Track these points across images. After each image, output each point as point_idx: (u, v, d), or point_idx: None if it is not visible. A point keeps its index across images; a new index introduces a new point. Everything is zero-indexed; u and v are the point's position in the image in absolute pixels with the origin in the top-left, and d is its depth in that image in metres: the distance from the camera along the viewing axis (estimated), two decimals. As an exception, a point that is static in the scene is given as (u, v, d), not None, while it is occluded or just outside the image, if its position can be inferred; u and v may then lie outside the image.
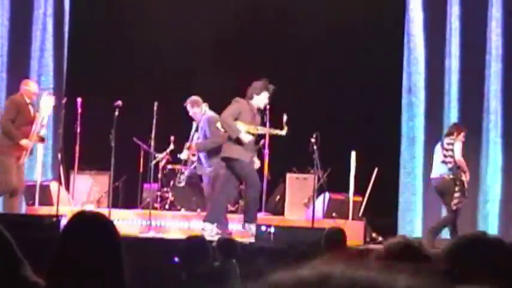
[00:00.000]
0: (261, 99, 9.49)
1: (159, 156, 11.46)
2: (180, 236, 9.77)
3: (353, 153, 10.52)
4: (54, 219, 9.01)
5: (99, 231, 2.68)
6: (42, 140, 10.56)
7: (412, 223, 11.62)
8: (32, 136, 10.19)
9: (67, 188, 11.56)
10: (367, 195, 10.86)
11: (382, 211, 11.11)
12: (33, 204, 10.98)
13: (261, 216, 10.52)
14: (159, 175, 11.54)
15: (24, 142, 10.02)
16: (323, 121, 11.19)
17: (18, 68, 12.80)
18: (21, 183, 10.31)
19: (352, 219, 10.45)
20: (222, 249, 6.31)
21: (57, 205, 10.01)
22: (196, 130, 10.89)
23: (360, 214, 10.72)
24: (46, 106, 10.42)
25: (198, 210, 11.02)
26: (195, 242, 5.97)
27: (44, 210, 10.58)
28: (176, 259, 6.01)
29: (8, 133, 10.09)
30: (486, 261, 2.37)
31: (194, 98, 10.86)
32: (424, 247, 2.81)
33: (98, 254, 2.62)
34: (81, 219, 2.75)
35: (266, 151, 11.01)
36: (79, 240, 2.65)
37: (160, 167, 11.57)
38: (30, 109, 10.27)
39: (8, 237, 2.71)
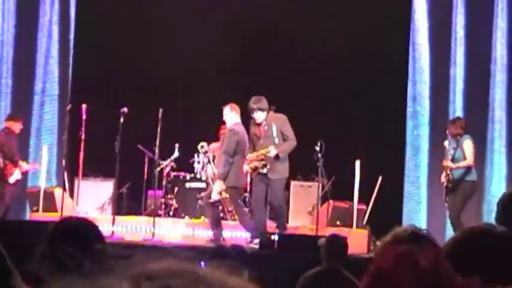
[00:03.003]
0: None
1: (164, 163, 11.47)
2: (183, 242, 9.79)
3: (357, 162, 10.51)
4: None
5: (82, 236, 2.71)
6: None
7: (416, 232, 11.58)
8: None
9: (71, 194, 11.58)
10: (371, 203, 10.86)
11: (386, 220, 11.08)
12: (38, 210, 10.99)
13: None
14: (164, 182, 11.55)
15: None
16: (327, 129, 11.18)
17: (23, 75, 12.84)
18: None
19: (356, 227, 10.45)
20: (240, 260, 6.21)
21: (62, 211, 10.02)
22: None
23: (364, 222, 10.71)
24: None
25: (202, 217, 11.02)
26: (219, 253, 5.91)
27: (48, 217, 10.58)
28: (202, 263, 5.94)
29: None
30: (492, 255, 2.28)
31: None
32: (432, 236, 2.72)
33: (80, 259, 2.65)
34: (64, 225, 2.78)
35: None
36: (62, 246, 2.67)
37: (164, 174, 11.58)
38: None
39: None
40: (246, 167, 9.76)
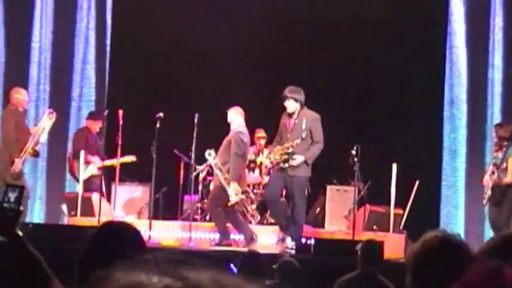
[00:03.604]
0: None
1: (200, 168, 11.48)
2: (219, 248, 9.79)
3: (394, 166, 10.45)
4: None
5: (125, 240, 2.72)
6: (37, 154, 10.70)
7: (453, 236, 11.49)
8: (26, 150, 10.31)
9: (108, 199, 11.64)
10: (408, 208, 10.78)
11: (424, 224, 10.99)
12: (75, 215, 11.06)
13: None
14: (200, 187, 11.57)
15: (16, 164, 10.17)
16: (364, 133, 11.13)
17: (61, 81, 12.94)
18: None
19: (393, 232, 10.38)
20: (284, 271, 6.23)
21: (99, 216, 10.08)
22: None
23: (401, 227, 10.64)
24: (46, 126, 10.58)
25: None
26: (253, 257, 5.92)
27: (86, 221, 10.66)
28: (232, 266, 5.95)
29: (8, 146, 10.23)
30: None
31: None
32: (464, 243, 2.66)
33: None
34: (107, 229, 2.79)
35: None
36: (104, 249, 2.68)
37: (200, 179, 11.60)
38: (24, 119, 10.44)
39: (36, 255, 2.78)
40: (267, 161, 9.73)
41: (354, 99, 12.21)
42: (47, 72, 12.92)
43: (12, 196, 2.93)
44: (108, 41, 13.11)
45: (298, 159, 9.38)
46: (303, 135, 9.35)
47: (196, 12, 12.77)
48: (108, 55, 13.11)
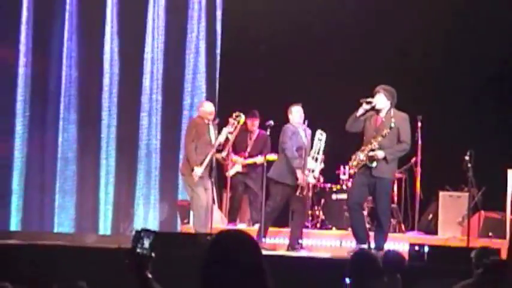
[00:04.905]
0: None
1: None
2: (331, 255, 9.74)
3: (510, 172, 10.16)
4: (208, 237, 9.19)
5: (241, 249, 2.72)
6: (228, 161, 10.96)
7: None
8: (205, 160, 10.35)
9: (220, 206, 11.77)
10: (525, 214, 10.46)
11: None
12: (188, 222, 11.24)
13: (414, 235, 10.34)
14: (310, 194, 11.55)
15: (195, 171, 10.22)
16: (478, 138, 10.86)
17: (173, 90, 13.19)
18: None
19: (510, 239, 10.09)
20: (389, 264, 6.15)
21: (211, 223, 10.20)
22: None
23: (518, 234, 10.33)
24: (222, 134, 10.67)
25: (349, 228, 10.93)
26: (364, 257, 5.85)
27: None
28: (347, 280, 5.88)
29: (188, 155, 10.37)
30: None
31: None
32: None
33: (241, 272, 2.67)
34: (224, 238, 2.81)
35: (418, 169, 10.84)
36: (222, 259, 2.70)
37: (310, 186, 11.57)
38: (209, 130, 10.50)
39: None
40: (353, 163, 9.34)
41: (467, 102, 11.94)
42: (159, 82, 13.19)
43: (146, 242, 3.01)
44: (218, 51, 13.28)
45: (379, 153, 9.11)
46: (392, 125, 9.03)
47: (308, 17, 12.77)
48: (218, 65, 13.27)
